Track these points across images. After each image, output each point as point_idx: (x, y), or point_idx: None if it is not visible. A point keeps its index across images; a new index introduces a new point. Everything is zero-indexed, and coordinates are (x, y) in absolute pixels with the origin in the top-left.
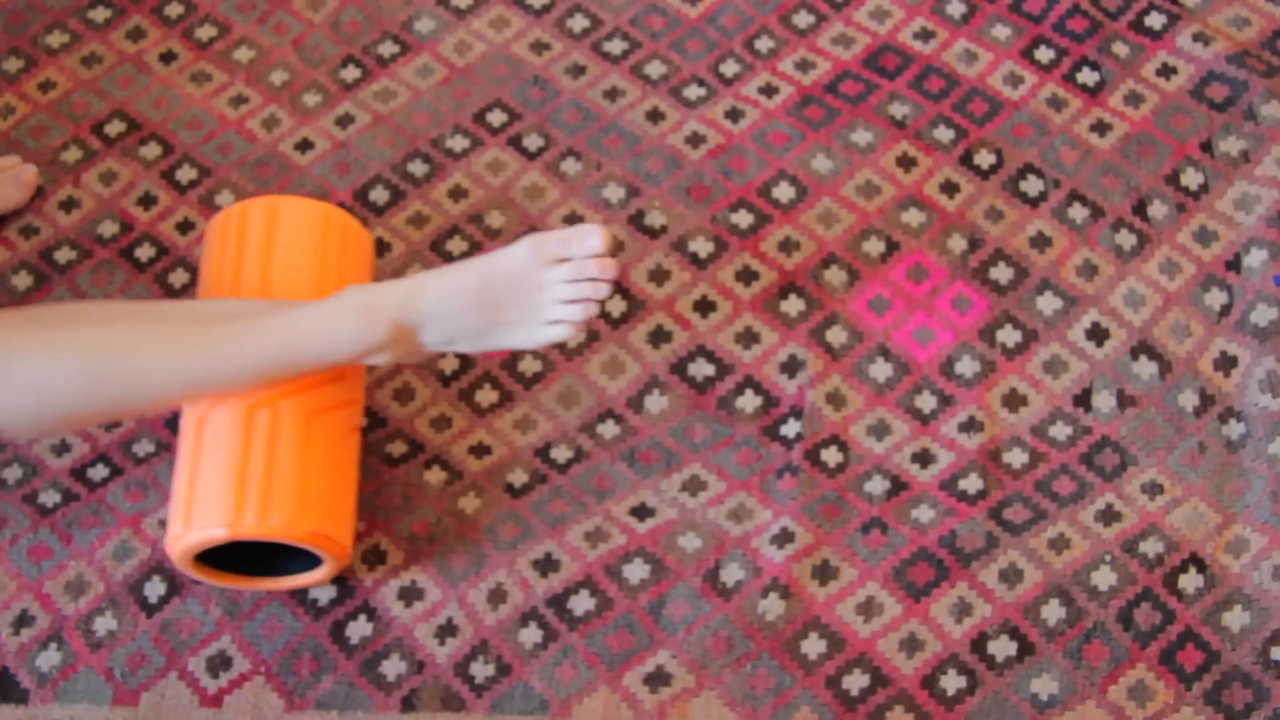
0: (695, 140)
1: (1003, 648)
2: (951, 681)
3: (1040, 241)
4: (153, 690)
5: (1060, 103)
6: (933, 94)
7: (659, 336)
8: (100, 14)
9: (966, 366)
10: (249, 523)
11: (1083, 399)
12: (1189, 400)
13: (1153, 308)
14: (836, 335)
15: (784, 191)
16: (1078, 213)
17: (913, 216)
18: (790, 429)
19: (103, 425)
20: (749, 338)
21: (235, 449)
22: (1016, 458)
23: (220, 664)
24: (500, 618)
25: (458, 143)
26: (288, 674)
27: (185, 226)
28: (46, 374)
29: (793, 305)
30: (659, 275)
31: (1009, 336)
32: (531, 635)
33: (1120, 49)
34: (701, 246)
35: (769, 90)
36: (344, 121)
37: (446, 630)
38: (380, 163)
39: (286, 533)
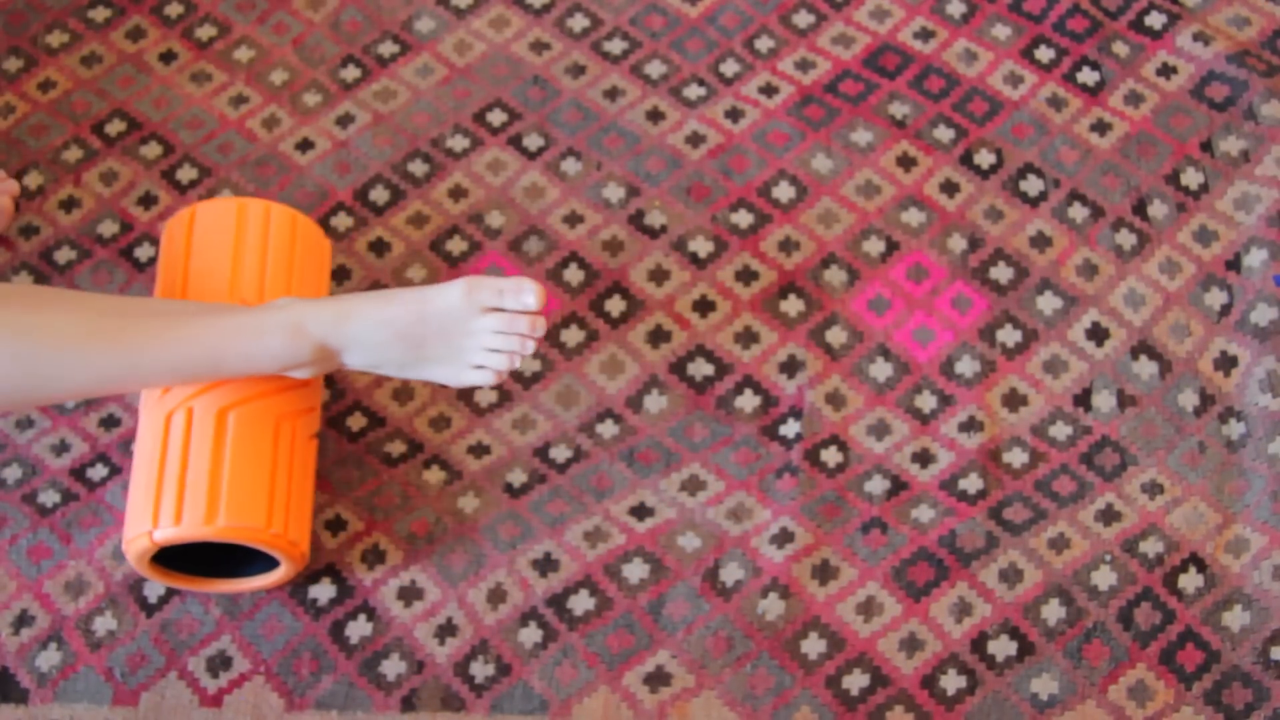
0: (695, 140)
1: (1003, 647)
2: (951, 681)
3: (1040, 241)
4: (153, 690)
5: (1060, 102)
6: (933, 94)
7: (658, 336)
8: (100, 14)
9: (966, 366)
10: (219, 524)
11: (1083, 399)
12: (1189, 400)
13: (1153, 307)
14: (836, 335)
15: (784, 191)
16: (1078, 212)
17: (913, 216)
18: (790, 429)
19: (99, 426)
20: (748, 337)
21: (202, 450)
22: (1016, 457)
23: (220, 664)
24: (500, 617)
25: (458, 142)
26: (288, 674)
27: None
28: None
29: (792, 305)
30: (659, 275)
31: (1009, 336)
32: (531, 635)
33: (1120, 48)
34: (701, 246)
35: (769, 90)
36: (344, 121)
37: (446, 630)
38: (380, 162)
39: (250, 535)
